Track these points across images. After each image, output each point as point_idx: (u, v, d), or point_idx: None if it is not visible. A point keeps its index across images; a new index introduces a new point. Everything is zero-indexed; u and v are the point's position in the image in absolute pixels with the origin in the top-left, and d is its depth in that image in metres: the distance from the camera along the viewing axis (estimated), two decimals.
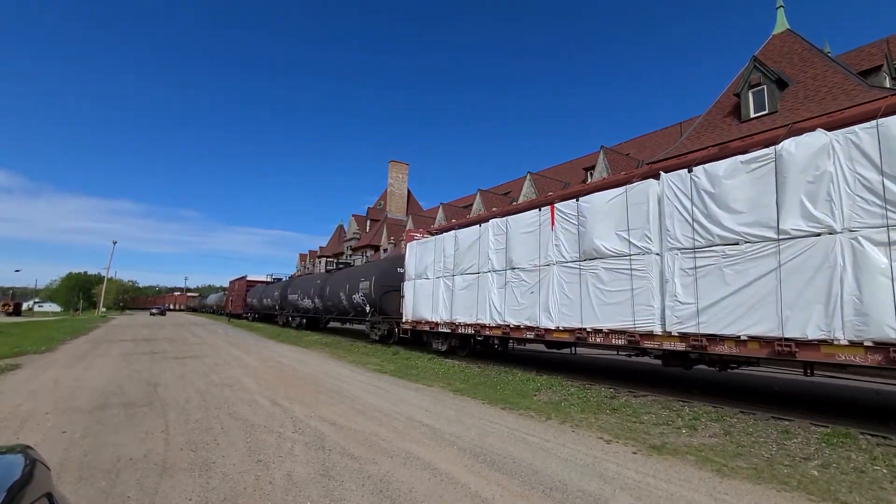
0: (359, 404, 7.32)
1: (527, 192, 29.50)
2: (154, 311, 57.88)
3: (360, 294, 18.07)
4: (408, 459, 4.69)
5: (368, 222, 53.52)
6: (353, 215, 54.70)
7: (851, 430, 5.36)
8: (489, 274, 11.06)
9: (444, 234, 13.24)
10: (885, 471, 4.30)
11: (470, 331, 11.69)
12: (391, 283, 16.47)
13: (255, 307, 37.10)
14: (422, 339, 14.63)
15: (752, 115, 17.31)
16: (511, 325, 10.23)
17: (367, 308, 17.58)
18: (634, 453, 4.93)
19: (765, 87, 17.10)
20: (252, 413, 6.66)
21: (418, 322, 13.87)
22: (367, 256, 48.61)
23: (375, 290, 16.94)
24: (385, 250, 45.74)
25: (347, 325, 26.60)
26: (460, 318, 11.91)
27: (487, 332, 11.17)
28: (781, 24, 19.57)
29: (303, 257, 71.44)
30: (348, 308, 19.50)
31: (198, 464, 4.52)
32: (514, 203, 30.65)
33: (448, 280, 12.56)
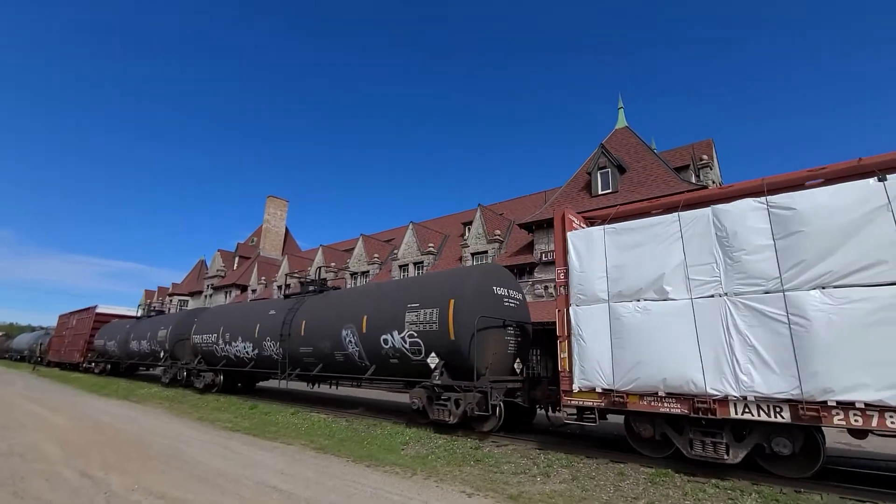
0: (200, 469, 6.32)
1: (409, 240, 30.12)
2: None
3: (406, 332, 9.93)
4: None
5: (237, 259, 48.96)
6: (219, 251, 49.52)
7: (670, 469, 6.21)
8: None
9: (737, 203, 6.46)
10: None
11: None
12: (490, 313, 9.42)
13: (110, 353, 24.66)
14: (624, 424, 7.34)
15: (600, 192, 20.44)
16: None
17: (433, 361, 9.38)
18: None
19: (609, 170, 20.45)
20: (49, 489, 5.30)
21: (640, 395, 6.57)
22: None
23: (472, 329, 8.91)
24: (254, 291, 42.01)
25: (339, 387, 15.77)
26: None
27: None
28: (622, 121, 23.96)
29: (150, 294, 61.73)
30: (373, 357, 10.78)
31: None
32: (397, 251, 30.99)
33: (793, 299, 5.65)
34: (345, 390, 17.95)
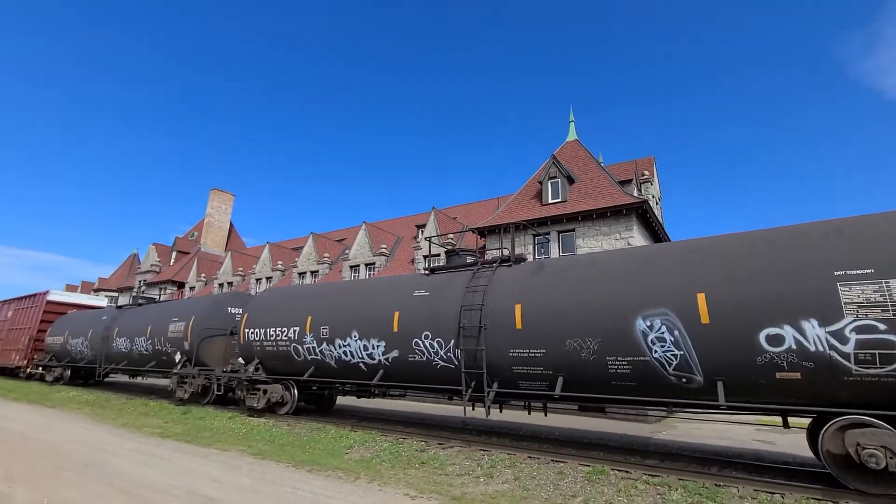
0: (122, 480, 5.85)
1: (361, 240, 29.65)
2: None
3: (848, 323, 5.63)
4: None
5: (174, 254, 46.08)
6: (154, 244, 46.44)
7: (606, 467, 6.50)
8: None
9: None
10: (624, 500, 5.27)
11: None
12: None
13: (74, 355, 18.49)
14: None
15: (550, 200, 21.14)
16: None
17: None
18: None
19: (559, 179, 21.20)
20: None
21: None
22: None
23: None
24: (192, 288, 39.70)
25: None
26: None
27: None
28: (572, 134, 24.94)
29: (71, 289, 56.71)
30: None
31: None
32: (349, 251, 30.42)
33: None
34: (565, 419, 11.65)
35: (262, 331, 11.58)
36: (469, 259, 10.14)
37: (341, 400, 13.86)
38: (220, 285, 37.59)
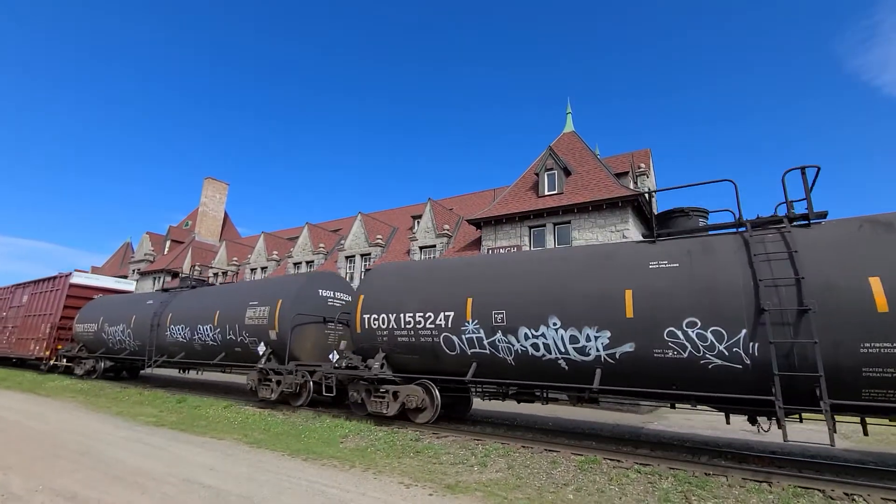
0: (118, 468, 5.88)
1: (356, 231, 29.57)
2: None
3: None
4: None
5: (168, 243, 45.77)
6: (147, 233, 46.09)
7: (598, 456, 6.60)
8: None
9: None
10: (615, 488, 5.36)
11: None
12: None
13: (111, 346, 16.00)
14: None
15: (546, 192, 21.15)
16: None
17: None
18: (430, 495, 5.09)
19: (556, 171, 21.20)
20: None
21: None
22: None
23: None
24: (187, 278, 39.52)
25: None
26: None
27: None
28: (569, 126, 24.89)
29: None
30: None
31: None
32: (344, 241, 30.33)
33: None
34: None
35: (391, 316, 9.16)
36: (701, 222, 7.80)
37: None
38: (215, 274, 37.45)
